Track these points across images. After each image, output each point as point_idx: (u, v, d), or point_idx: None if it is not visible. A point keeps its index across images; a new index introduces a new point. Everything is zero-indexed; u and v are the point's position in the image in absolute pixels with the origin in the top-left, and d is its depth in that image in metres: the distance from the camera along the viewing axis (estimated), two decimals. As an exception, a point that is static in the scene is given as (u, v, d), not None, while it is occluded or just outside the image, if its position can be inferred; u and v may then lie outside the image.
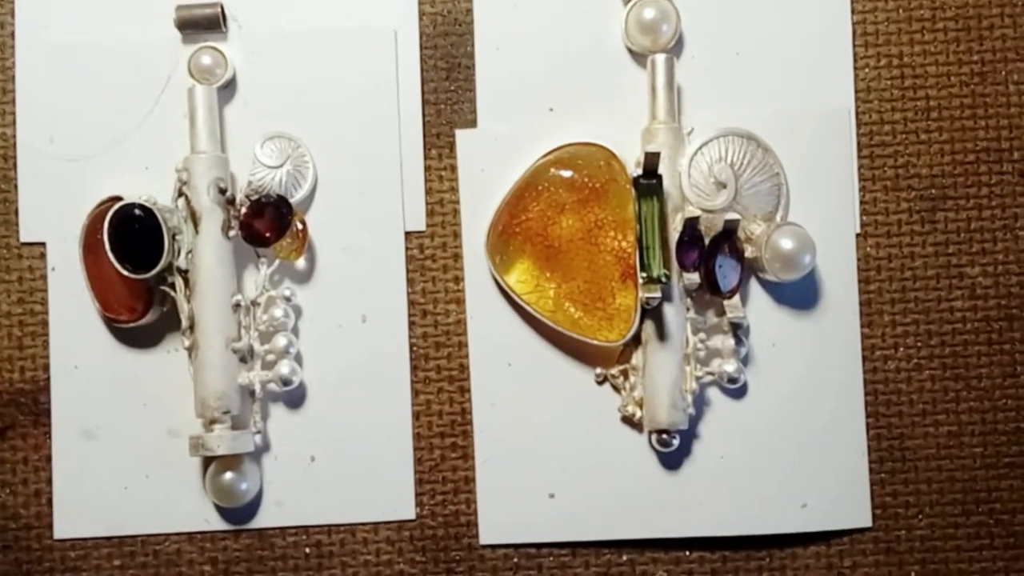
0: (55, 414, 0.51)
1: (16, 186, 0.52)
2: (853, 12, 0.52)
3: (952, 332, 0.51)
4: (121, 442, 0.51)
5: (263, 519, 0.51)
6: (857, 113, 0.52)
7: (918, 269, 0.51)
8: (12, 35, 0.52)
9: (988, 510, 0.51)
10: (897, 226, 0.52)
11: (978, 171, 0.52)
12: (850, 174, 0.51)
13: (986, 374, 0.51)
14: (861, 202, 0.52)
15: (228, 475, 0.50)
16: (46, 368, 0.51)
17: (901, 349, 0.51)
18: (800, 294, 0.51)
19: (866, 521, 0.51)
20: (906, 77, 0.52)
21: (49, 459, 0.51)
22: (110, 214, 0.49)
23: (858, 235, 0.51)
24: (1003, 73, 0.52)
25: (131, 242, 0.49)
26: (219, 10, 0.51)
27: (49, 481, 0.51)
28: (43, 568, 0.51)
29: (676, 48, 0.51)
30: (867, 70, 0.52)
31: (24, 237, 0.52)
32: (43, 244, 0.52)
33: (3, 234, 0.52)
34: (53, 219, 0.51)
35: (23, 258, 0.52)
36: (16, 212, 0.52)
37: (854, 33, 0.52)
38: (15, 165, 0.52)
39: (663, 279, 0.48)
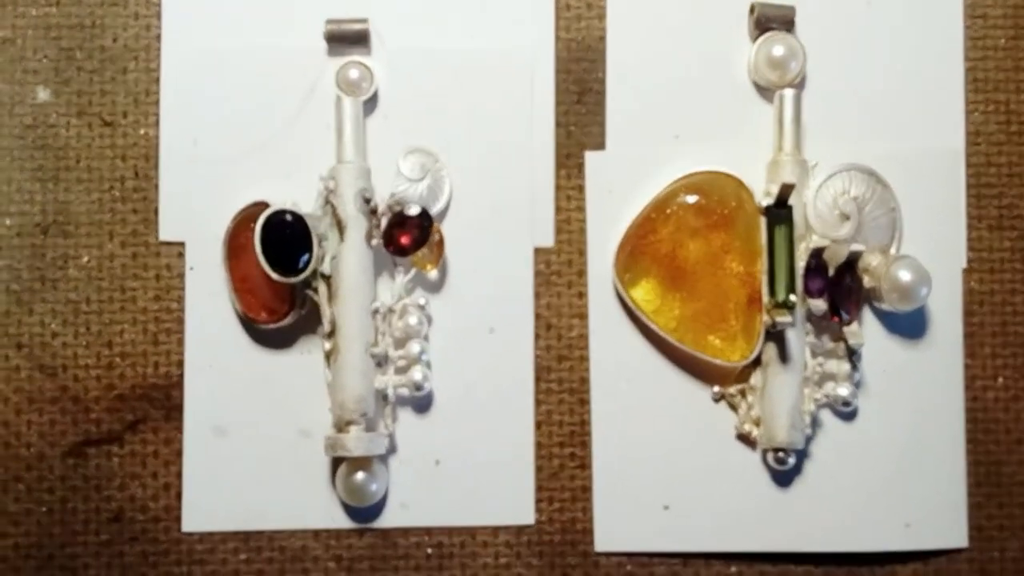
0: (187, 410, 0.52)
1: (157, 186, 0.53)
2: (966, 59, 0.55)
3: (1048, 365, 0.54)
4: (252, 440, 0.52)
5: (387, 519, 0.53)
6: (966, 155, 0.54)
7: (1018, 304, 0.54)
8: (158, 38, 0.53)
9: (1075, 535, 0.54)
10: (1000, 263, 0.54)
11: (1077, 214, 0.55)
12: (959, 212, 0.54)
13: (1078, 406, 0.54)
14: (967, 239, 0.54)
15: (360, 475, 0.51)
16: (180, 364, 0.53)
17: (1000, 379, 0.54)
18: (909, 324, 0.53)
19: (963, 542, 0.54)
20: (1012, 123, 0.55)
21: (179, 454, 0.52)
22: (261, 219, 0.50)
23: (964, 270, 0.54)
24: (1102, 123, 0.55)
25: (280, 247, 0.50)
26: (368, 27, 0.52)
27: (179, 475, 0.52)
28: (169, 560, 0.52)
29: (800, 84, 0.54)
30: (976, 114, 0.55)
31: (163, 236, 0.53)
32: (182, 244, 0.53)
33: (142, 232, 0.53)
34: (193, 220, 0.53)
35: (160, 256, 0.53)
36: (156, 211, 0.53)
37: (966, 79, 0.55)
38: (156, 165, 0.53)
39: (790, 304, 0.51)
